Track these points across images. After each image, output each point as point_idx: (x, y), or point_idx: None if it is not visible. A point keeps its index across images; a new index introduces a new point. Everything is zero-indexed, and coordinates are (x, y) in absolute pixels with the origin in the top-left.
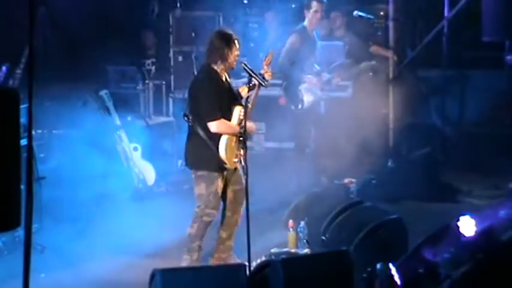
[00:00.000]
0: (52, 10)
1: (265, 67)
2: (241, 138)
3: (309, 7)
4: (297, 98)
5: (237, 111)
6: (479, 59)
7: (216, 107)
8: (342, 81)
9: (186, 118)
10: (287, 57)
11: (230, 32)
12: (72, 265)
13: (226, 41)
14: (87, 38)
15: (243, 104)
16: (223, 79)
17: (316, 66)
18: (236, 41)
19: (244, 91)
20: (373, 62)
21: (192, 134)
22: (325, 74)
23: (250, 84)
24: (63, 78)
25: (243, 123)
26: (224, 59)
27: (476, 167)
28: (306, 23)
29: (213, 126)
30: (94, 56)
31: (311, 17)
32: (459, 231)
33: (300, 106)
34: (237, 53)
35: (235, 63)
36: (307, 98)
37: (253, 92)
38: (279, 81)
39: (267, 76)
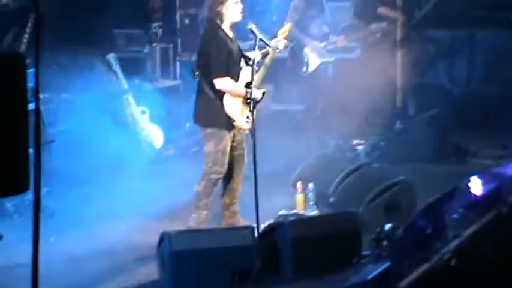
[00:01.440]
0: None
1: (280, 36)
2: (248, 101)
3: None
4: (303, 60)
5: (245, 72)
6: (487, 18)
7: (222, 64)
8: (348, 43)
9: (193, 74)
10: (291, 20)
11: None
12: (81, 228)
13: None
14: (93, 3)
15: (251, 64)
16: (230, 36)
17: (325, 27)
18: None
19: (256, 56)
20: (384, 23)
21: (200, 92)
22: (333, 36)
23: (263, 51)
24: (70, 41)
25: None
26: (220, 14)
27: (485, 128)
28: None
29: (218, 83)
30: (101, 20)
31: None
32: (468, 192)
33: (305, 69)
34: (236, 4)
35: (237, 15)
36: (313, 61)
37: (266, 58)
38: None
39: (279, 45)
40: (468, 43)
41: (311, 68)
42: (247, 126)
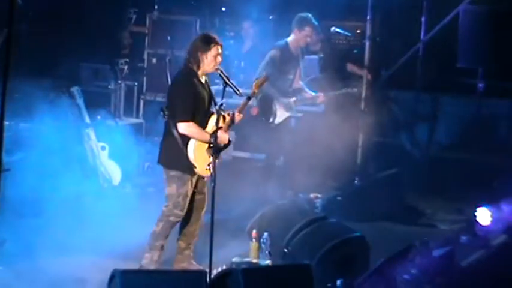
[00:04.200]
0: (28, 4)
1: (255, 88)
2: (211, 145)
3: (301, 28)
4: (270, 111)
5: (213, 119)
6: (452, 84)
7: (188, 109)
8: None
9: (162, 113)
10: (264, 71)
11: (213, 36)
12: (31, 260)
13: (204, 43)
14: (62, 33)
15: (217, 112)
16: (203, 82)
17: (297, 83)
18: (216, 46)
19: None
20: (355, 90)
21: (167, 133)
22: (309, 92)
23: (229, 112)
24: (35, 72)
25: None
26: (197, 61)
27: (442, 191)
28: (290, 39)
29: (182, 127)
30: (68, 51)
31: (299, 38)
32: (421, 254)
33: (271, 119)
34: (215, 58)
35: (212, 67)
36: (281, 114)
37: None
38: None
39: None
40: (432, 107)
41: (278, 120)
42: (207, 173)
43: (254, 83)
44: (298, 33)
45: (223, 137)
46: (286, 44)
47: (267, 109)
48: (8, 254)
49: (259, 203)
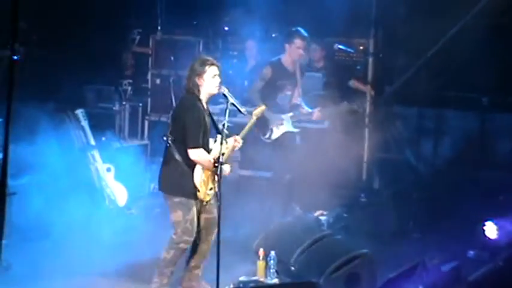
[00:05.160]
0: (32, 27)
1: (254, 117)
2: (216, 165)
3: (290, 42)
4: (266, 127)
5: (216, 146)
6: (456, 98)
7: (198, 135)
8: (321, 119)
9: (165, 138)
10: (257, 87)
11: (207, 58)
12: (38, 283)
13: (199, 66)
14: (66, 56)
15: (220, 131)
16: (205, 107)
17: (296, 99)
18: (212, 67)
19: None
20: (355, 106)
21: (169, 159)
22: (306, 108)
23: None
24: (40, 95)
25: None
26: (196, 85)
27: (447, 206)
28: (283, 55)
29: (193, 153)
30: (71, 75)
31: (291, 52)
32: (428, 269)
33: (267, 135)
34: (213, 78)
35: (214, 88)
36: (278, 129)
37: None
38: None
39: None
40: (436, 121)
41: (274, 136)
42: (207, 198)
43: (253, 112)
44: (289, 47)
45: (224, 166)
46: (279, 60)
47: (263, 125)
48: (14, 277)
49: (265, 221)
